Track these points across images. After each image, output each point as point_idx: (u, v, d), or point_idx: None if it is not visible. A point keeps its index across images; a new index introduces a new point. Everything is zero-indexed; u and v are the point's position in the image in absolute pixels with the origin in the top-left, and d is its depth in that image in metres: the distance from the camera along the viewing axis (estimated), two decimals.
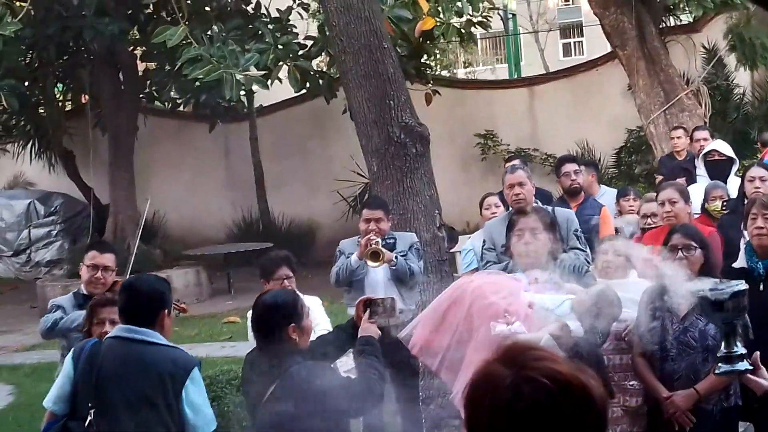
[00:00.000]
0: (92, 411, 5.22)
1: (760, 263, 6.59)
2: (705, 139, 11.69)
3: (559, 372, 2.15)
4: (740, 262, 6.67)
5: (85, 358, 5.35)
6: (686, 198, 7.95)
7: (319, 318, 7.13)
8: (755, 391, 4.28)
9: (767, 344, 5.34)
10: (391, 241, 8.28)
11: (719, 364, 4.51)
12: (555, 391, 2.12)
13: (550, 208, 7.77)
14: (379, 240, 8.08)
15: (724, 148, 10.56)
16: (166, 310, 5.34)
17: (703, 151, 10.70)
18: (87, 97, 18.96)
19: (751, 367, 4.27)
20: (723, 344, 4.48)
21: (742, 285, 4.60)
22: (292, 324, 4.98)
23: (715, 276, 5.73)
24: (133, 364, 5.18)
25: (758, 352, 4.36)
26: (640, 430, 6.26)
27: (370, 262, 8.06)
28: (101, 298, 6.32)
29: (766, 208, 6.62)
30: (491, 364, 2.21)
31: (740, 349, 4.39)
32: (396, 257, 8.14)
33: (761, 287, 6.42)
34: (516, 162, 10.08)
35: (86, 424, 5.24)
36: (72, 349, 5.64)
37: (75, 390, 5.39)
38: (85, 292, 7.28)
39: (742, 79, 17.77)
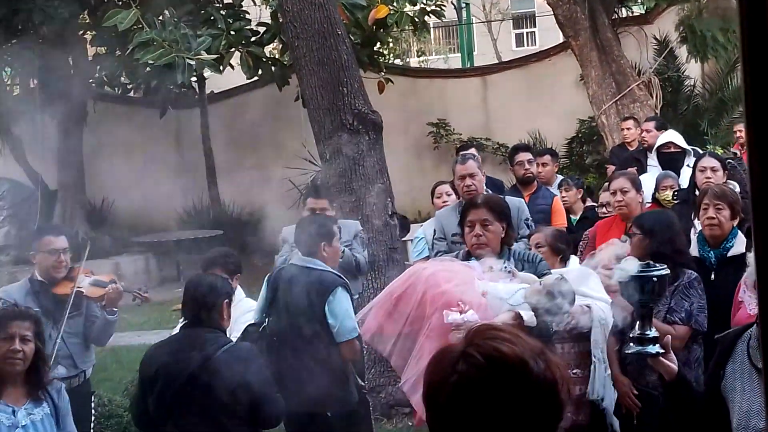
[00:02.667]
0: (268, 319, 6.73)
1: (711, 253, 6.64)
2: (648, 131, 11.64)
3: (497, 350, 2.15)
4: (692, 252, 6.71)
5: (272, 280, 6.88)
6: (637, 187, 7.98)
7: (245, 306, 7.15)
8: (665, 376, 4.29)
9: (715, 330, 5.40)
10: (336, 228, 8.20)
11: (630, 344, 4.53)
12: (486, 367, 2.13)
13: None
14: None
15: (679, 139, 10.61)
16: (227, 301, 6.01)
17: (658, 143, 10.72)
18: (35, 81, 18.68)
19: (662, 351, 4.29)
20: (637, 325, 4.50)
21: (664, 270, 4.61)
22: (227, 300, 5.81)
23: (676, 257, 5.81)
24: (295, 282, 6.66)
25: (669, 336, 4.39)
26: (584, 417, 6.28)
27: None
28: (11, 311, 6.14)
29: (718, 199, 6.66)
30: (456, 342, 2.23)
31: (653, 332, 4.41)
32: (343, 250, 8.07)
33: (712, 276, 6.46)
34: (470, 151, 10.07)
35: (260, 328, 6.67)
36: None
37: (266, 303, 6.87)
38: (40, 278, 7.20)
39: (693, 70, 17.90)
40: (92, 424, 7.38)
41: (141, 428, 6.10)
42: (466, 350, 2.16)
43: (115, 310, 7.22)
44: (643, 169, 10.70)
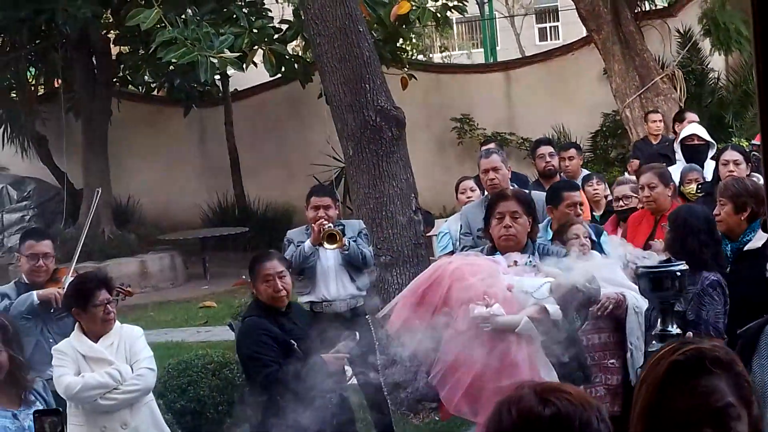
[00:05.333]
0: None
1: (728, 246, 6.56)
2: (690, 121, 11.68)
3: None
4: None
5: None
6: (666, 182, 7.95)
7: (141, 353, 6.48)
8: None
9: (731, 325, 5.37)
10: (340, 228, 8.24)
11: (653, 342, 4.50)
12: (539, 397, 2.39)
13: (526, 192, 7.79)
14: (332, 225, 8.05)
15: (703, 132, 10.60)
16: None
17: (681, 136, 10.72)
18: (60, 81, 18.78)
19: None
20: (659, 323, 4.47)
21: (682, 266, 4.57)
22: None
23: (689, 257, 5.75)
24: None
25: (691, 333, 4.35)
26: (619, 408, 6.28)
27: (327, 245, 8.00)
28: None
29: (721, 194, 6.63)
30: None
31: (675, 329, 4.37)
32: (348, 242, 8.12)
33: (728, 270, 6.40)
34: (491, 146, 10.10)
35: None
36: None
37: None
38: (26, 281, 7.36)
39: (717, 63, 17.80)
40: None
41: None
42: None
43: None
44: (671, 164, 10.68)
